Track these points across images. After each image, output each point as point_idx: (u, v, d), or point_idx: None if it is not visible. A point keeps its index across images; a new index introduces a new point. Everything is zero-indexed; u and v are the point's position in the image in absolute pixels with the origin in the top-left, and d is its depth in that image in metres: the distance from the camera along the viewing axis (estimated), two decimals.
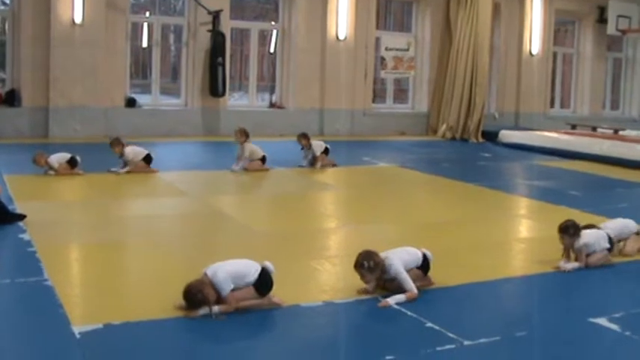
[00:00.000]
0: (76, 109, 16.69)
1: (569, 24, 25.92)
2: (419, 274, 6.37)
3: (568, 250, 7.39)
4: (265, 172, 13.20)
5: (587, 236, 7.34)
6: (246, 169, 13.08)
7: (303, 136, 14.11)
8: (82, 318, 5.43)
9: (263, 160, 13.35)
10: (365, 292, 6.17)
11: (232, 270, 5.73)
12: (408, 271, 6.20)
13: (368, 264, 6.03)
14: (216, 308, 5.55)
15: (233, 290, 5.65)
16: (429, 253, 6.49)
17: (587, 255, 7.30)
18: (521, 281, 7.07)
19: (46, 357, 4.87)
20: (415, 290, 6.06)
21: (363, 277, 6.10)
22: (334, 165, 13.98)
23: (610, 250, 7.50)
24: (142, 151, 12.61)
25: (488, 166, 16.22)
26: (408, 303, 5.94)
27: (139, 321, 5.41)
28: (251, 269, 5.82)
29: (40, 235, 7.84)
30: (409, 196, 11.95)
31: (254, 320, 5.56)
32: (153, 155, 12.68)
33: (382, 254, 6.19)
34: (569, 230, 7.30)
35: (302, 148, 14.07)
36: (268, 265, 5.91)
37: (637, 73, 26.61)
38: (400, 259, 6.20)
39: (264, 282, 5.81)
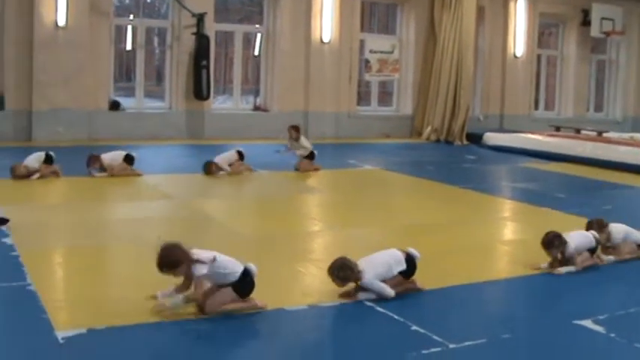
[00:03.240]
0: (59, 112, 16.62)
1: (553, 27, 26.03)
2: (400, 280, 6.33)
3: (558, 261, 7.29)
4: (250, 174, 13.18)
5: (575, 240, 7.31)
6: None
7: (294, 128, 14.26)
8: (66, 323, 5.38)
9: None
10: (347, 295, 6.16)
11: (217, 260, 5.66)
12: (391, 278, 6.20)
13: (338, 274, 6.05)
14: (180, 297, 5.57)
15: (213, 290, 5.63)
16: (414, 252, 6.41)
17: (579, 254, 7.28)
18: (506, 284, 7.07)
19: None
20: (391, 294, 6.08)
21: (335, 283, 6.13)
22: (317, 169, 13.93)
23: (594, 251, 7.50)
24: (120, 153, 12.44)
25: (473, 168, 16.24)
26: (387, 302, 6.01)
27: (122, 326, 5.36)
28: (235, 267, 5.75)
29: (24, 239, 7.77)
30: (394, 199, 11.95)
31: (238, 324, 5.52)
32: (135, 156, 12.52)
33: (360, 264, 6.14)
34: (554, 243, 7.18)
35: (290, 138, 14.14)
36: (251, 266, 5.81)
37: (620, 75, 26.74)
38: (375, 272, 6.13)
39: (245, 283, 5.72)
